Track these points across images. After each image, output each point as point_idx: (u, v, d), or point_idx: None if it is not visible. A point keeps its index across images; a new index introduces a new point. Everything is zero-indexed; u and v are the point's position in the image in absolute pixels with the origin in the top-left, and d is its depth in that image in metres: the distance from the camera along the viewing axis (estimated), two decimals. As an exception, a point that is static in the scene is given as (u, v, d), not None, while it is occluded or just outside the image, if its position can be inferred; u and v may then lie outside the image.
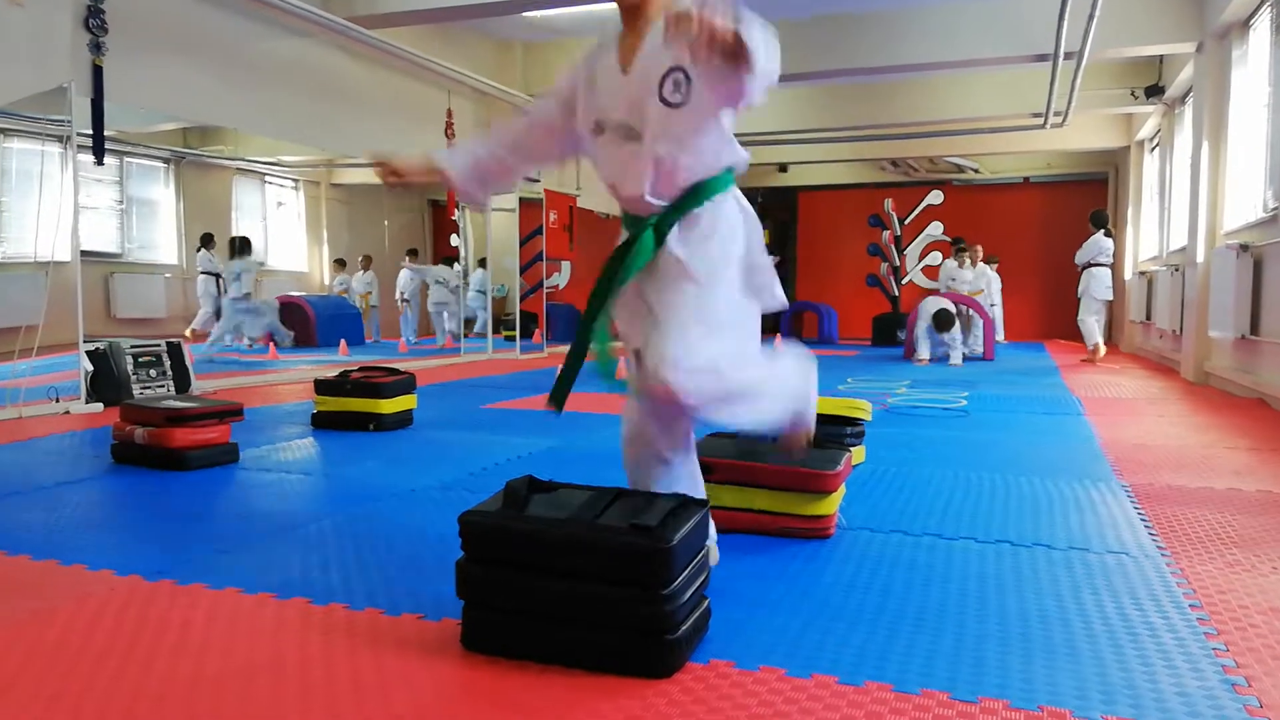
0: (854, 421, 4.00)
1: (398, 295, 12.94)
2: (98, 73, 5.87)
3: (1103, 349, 10.63)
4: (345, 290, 12.60)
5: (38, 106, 5.68)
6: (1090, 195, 15.59)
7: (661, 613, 1.79)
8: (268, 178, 10.82)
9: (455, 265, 12.47)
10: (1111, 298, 10.79)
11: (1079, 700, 1.71)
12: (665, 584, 1.79)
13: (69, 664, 1.85)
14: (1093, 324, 10.55)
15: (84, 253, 5.83)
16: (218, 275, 9.66)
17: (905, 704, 1.70)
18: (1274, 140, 6.85)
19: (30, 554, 2.63)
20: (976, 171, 17.25)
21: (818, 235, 18.58)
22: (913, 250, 14.77)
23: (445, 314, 12.70)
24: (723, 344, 2.12)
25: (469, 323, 12.29)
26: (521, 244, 11.58)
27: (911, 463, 4.16)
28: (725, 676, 1.81)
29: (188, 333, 9.12)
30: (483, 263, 12.49)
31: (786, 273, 19.15)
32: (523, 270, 11.81)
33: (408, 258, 12.99)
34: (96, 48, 5.87)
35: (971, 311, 11.27)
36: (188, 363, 6.51)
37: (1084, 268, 10.58)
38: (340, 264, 12.37)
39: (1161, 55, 10.73)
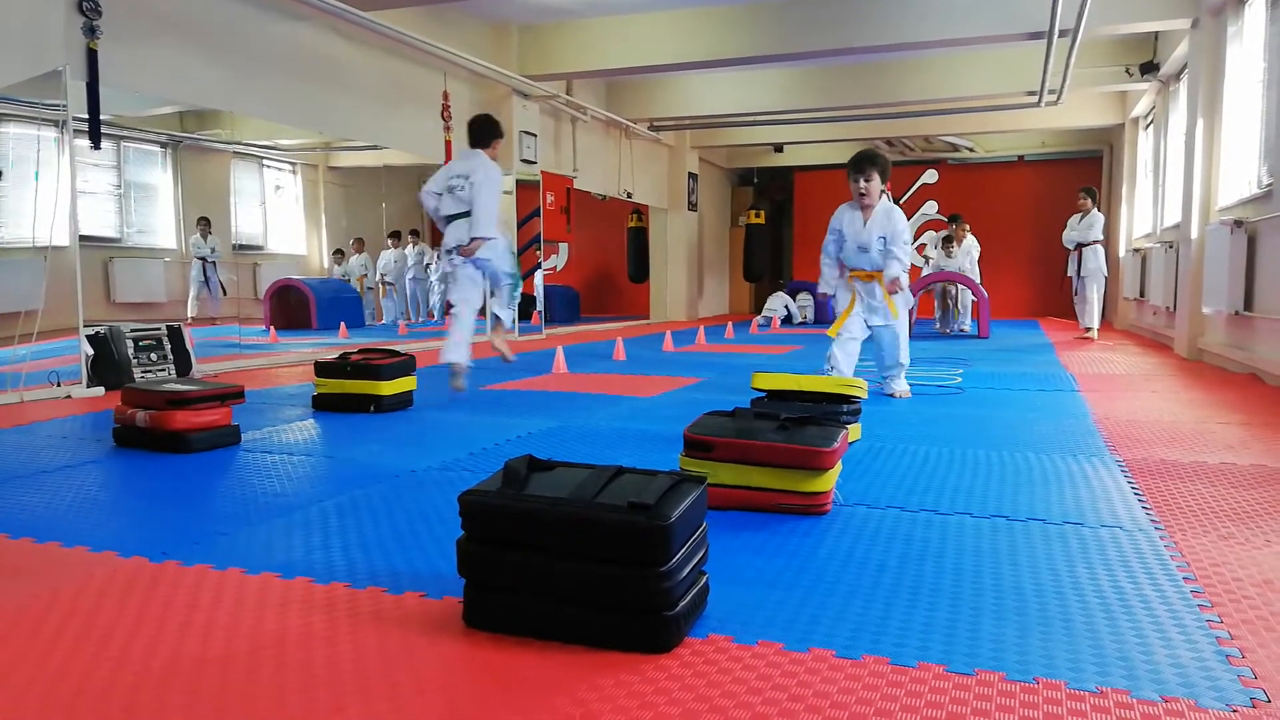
0: (850, 399, 4.02)
1: (379, 277, 13.06)
2: (92, 56, 5.84)
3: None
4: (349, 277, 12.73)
5: (33, 91, 5.66)
6: (1085, 173, 15.58)
7: (660, 589, 1.80)
8: (266, 161, 10.80)
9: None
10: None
11: (1073, 672, 1.73)
12: (663, 561, 1.81)
13: (73, 645, 1.87)
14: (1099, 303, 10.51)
15: (83, 237, 5.83)
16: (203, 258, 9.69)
17: (902, 676, 1.72)
18: (1268, 116, 6.85)
19: (33, 537, 2.65)
20: (971, 150, 17.22)
21: (814, 215, 18.52)
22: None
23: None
24: None
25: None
26: (519, 226, 11.58)
27: (907, 440, 4.18)
28: (724, 651, 1.83)
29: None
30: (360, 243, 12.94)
31: (783, 253, 19.19)
32: (520, 252, 11.80)
33: (390, 240, 13.08)
34: (91, 31, 5.85)
35: (961, 288, 11.30)
36: (188, 346, 6.53)
37: (1085, 245, 10.33)
38: (340, 254, 12.43)
39: (1156, 32, 10.69)
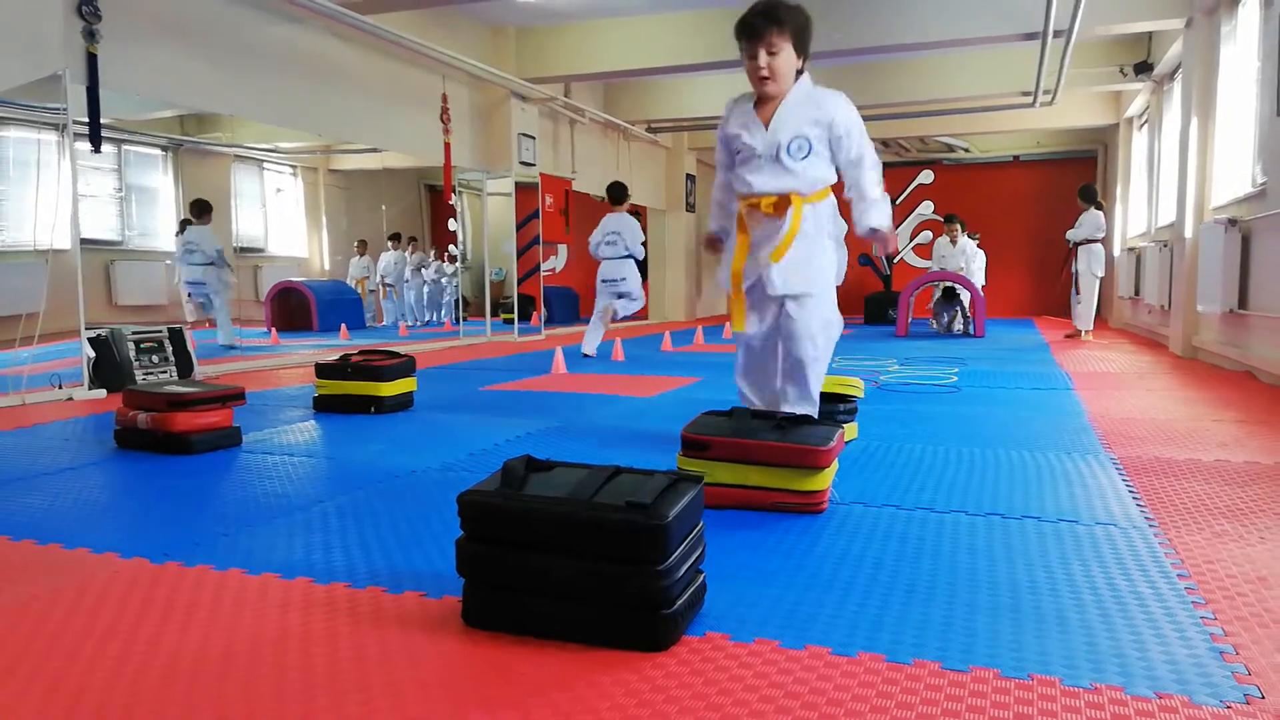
0: (846, 398, 4.04)
1: (379, 279, 13.11)
2: (92, 60, 5.85)
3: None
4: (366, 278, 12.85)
5: (33, 95, 5.67)
6: (1079, 173, 15.61)
7: (657, 588, 1.82)
8: (266, 164, 10.82)
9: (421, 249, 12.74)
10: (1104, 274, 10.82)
11: (1068, 669, 1.74)
12: (660, 559, 1.82)
13: (74, 645, 1.88)
14: (1091, 304, 10.57)
15: (84, 240, 5.84)
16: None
17: (898, 674, 1.73)
18: (1262, 115, 6.87)
19: (35, 539, 2.65)
20: (967, 151, 17.24)
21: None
22: (904, 230, 14.83)
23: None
24: None
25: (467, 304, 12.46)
26: (518, 228, 11.59)
27: (903, 438, 4.20)
28: (721, 649, 1.84)
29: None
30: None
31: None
32: (520, 254, 11.82)
33: (390, 243, 13.12)
34: (90, 35, 5.85)
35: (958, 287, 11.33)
36: (189, 348, 6.54)
37: (1079, 244, 10.50)
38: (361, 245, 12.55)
39: (1150, 32, 10.72)
